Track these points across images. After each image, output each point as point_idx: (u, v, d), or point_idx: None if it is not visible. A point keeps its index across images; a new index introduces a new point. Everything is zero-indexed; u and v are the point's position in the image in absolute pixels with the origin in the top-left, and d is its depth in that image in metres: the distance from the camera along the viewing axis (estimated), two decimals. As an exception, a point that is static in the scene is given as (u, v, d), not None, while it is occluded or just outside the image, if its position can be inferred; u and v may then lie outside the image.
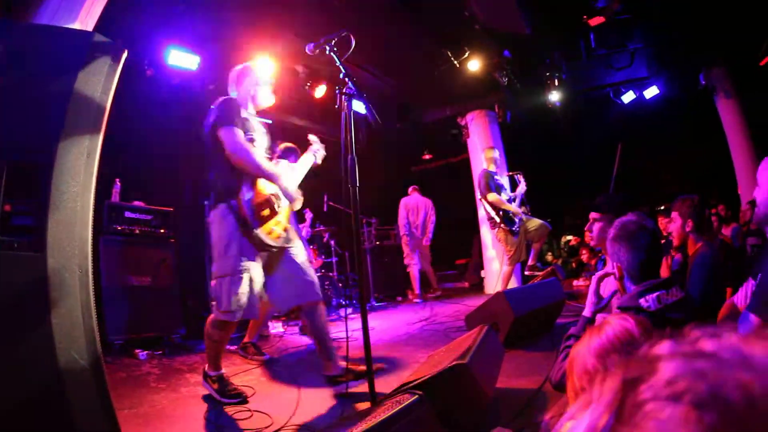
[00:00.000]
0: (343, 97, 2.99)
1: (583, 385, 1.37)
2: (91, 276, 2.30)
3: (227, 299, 3.32)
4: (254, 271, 3.43)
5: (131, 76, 6.55)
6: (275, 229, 3.53)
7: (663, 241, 5.98)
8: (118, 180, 5.72)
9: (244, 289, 3.35)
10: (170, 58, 6.65)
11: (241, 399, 3.56)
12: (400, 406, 2.02)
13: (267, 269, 3.65)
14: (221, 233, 3.39)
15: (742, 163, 9.54)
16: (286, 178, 3.64)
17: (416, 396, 2.14)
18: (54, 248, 2.17)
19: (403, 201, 9.68)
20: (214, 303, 3.48)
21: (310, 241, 7.71)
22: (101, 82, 2.50)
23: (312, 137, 4.35)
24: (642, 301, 2.16)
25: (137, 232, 5.53)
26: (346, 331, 3.35)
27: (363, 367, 3.53)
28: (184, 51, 6.73)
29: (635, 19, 7.99)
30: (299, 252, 3.83)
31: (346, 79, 3.02)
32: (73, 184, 2.31)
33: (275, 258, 3.69)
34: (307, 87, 8.28)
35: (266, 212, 3.48)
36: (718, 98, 9.78)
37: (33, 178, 2.24)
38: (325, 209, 8.51)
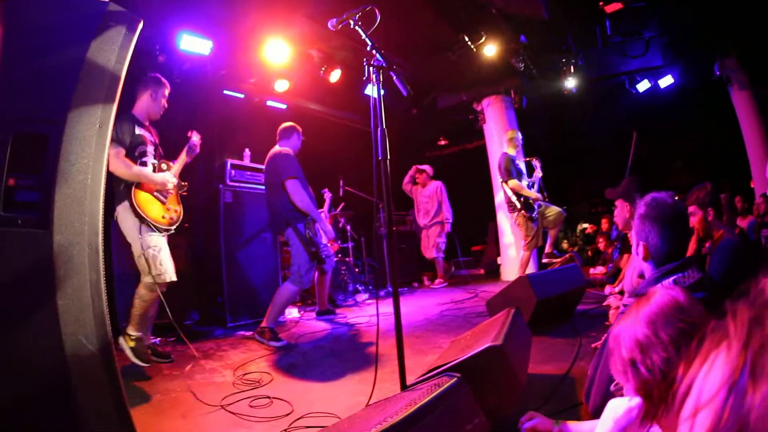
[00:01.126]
0: (371, 69, 2.78)
1: (634, 357, 1.32)
2: (101, 254, 2.10)
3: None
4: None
5: (143, 59, 6.39)
6: (166, 216, 4.09)
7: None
8: (130, 165, 5.54)
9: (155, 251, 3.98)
10: (182, 43, 6.45)
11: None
12: (439, 389, 1.83)
13: None
14: (126, 224, 4.01)
15: (757, 155, 9.34)
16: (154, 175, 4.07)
17: (455, 379, 1.95)
18: (61, 224, 1.97)
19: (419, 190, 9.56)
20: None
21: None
22: (115, 52, 2.30)
23: (190, 133, 4.60)
24: (659, 286, 1.95)
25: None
26: (377, 315, 3.09)
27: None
28: (196, 36, 6.52)
29: (650, 7, 7.76)
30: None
31: (374, 52, 2.80)
32: (83, 155, 2.11)
33: None
34: (322, 72, 8.07)
35: (154, 204, 4.06)
36: (732, 89, 9.55)
37: (40, 151, 2.04)
38: (341, 194, 8.34)
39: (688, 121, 10.65)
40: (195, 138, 4.49)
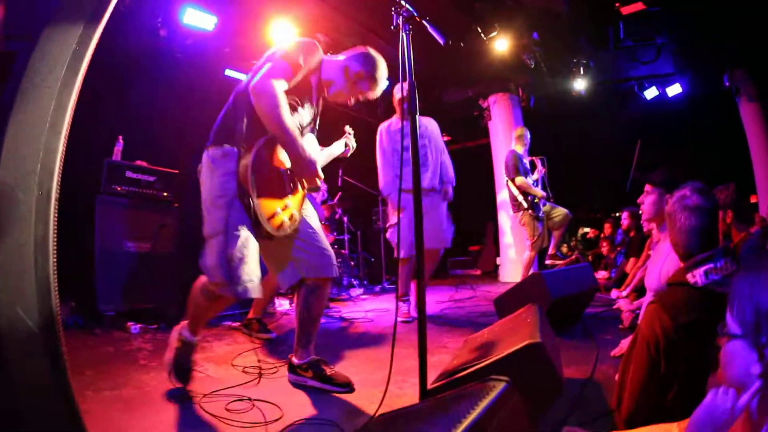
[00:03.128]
0: (399, 18, 2.38)
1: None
2: (54, 203, 1.60)
3: (223, 266, 2.48)
4: (251, 237, 2.59)
5: (144, 33, 5.98)
6: (279, 214, 2.64)
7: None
8: (120, 137, 5.06)
9: (242, 252, 2.50)
10: (185, 17, 6.01)
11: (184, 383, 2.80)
12: (489, 398, 1.43)
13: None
14: (213, 181, 2.59)
15: (763, 169, 9.01)
16: (308, 149, 2.73)
17: (504, 384, 1.56)
18: (9, 158, 1.49)
19: None
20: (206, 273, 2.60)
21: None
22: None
23: (348, 128, 3.72)
24: (689, 276, 2.00)
25: (138, 193, 4.86)
26: (396, 315, 2.53)
27: (339, 374, 2.91)
28: (201, 10, 6.08)
29: (665, 13, 7.45)
30: (311, 215, 3.01)
31: (402, 1, 2.39)
32: (50, 78, 1.62)
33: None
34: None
35: (274, 187, 2.66)
36: (740, 101, 9.20)
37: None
38: (339, 183, 7.92)
39: (694, 131, 10.31)
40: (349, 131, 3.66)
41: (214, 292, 2.60)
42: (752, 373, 1.19)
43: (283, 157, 2.70)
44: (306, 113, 2.91)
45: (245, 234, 2.52)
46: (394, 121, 5.35)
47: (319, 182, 2.83)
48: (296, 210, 2.79)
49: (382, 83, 3.04)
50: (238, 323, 4.60)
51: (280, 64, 2.61)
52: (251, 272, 2.54)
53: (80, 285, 4.42)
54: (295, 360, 2.98)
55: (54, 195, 1.60)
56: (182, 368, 2.78)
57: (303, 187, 2.88)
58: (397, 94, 4.94)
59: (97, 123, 5.17)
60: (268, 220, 2.55)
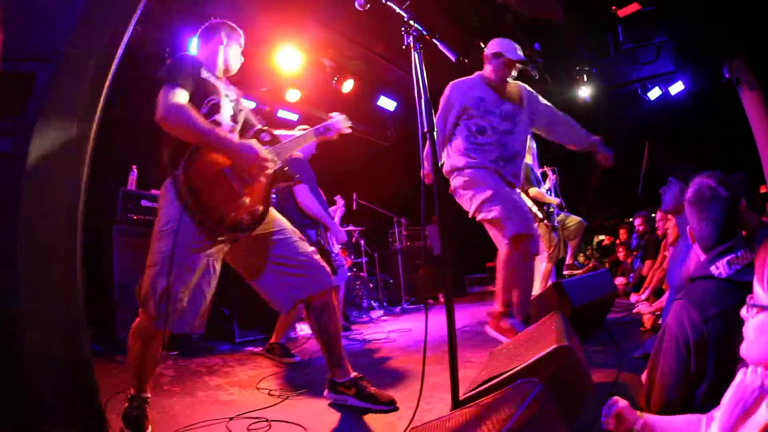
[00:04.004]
0: (410, 38, 2.38)
1: None
2: (79, 227, 1.60)
3: (152, 299, 2.39)
4: (196, 265, 2.47)
5: (152, 63, 6.02)
6: (233, 213, 2.53)
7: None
8: (135, 167, 5.09)
9: (176, 287, 2.39)
10: (192, 48, 6.05)
11: None
12: (524, 398, 1.41)
13: (250, 266, 2.80)
14: (161, 212, 2.54)
15: (770, 156, 8.92)
16: (235, 140, 2.57)
17: (537, 385, 1.53)
18: (34, 180, 1.49)
19: None
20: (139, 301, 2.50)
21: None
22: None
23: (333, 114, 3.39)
24: (713, 268, 1.97)
25: (153, 221, 4.86)
26: (425, 333, 2.43)
27: (381, 393, 2.84)
28: (208, 40, 6.13)
29: (660, 11, 7.43)
30: (288, 232, 2.87)
31: (411, 22, 2.39)
32: (74, 98, 1.64)
33: (254, 248, 2.75)
34: (334, 81, 7.72)
35: (219, 188, 2.52)
36: (742, 90, 9.02)
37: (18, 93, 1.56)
38: (354, 207, 7.88)
39: (700, 126, 10.32)
40: (337, 118, 3.33)
41: (145, 330, 2.48)
42: None
43: (219, 158, 2.55)
44: (227, 103, 2.80)
45: (184, 269, 2.42)
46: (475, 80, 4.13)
47: (272, 165, 2.65)
48: (259, 204, 2.68)
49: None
50: (260, 348, 4.58)
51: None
52: (184, 309, 2.44)
53: (99, 312, 4.41)
54: (336, 379, 2.90)
55: (80, 216, 1.60)
56: (133, 420, 2.55)
57: (258, 178, 2.64)
58: (494, 48, 4.07)
59: (110, 153, 5.21)
60: (220, 220, 2.48)
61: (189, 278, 2.43)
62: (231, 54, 2.95)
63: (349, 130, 3.38)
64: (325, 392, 2.95)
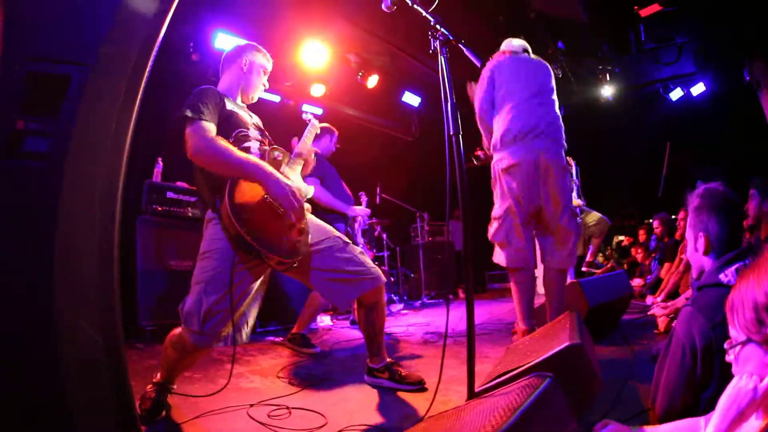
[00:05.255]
0: (436, 42, 2.43)
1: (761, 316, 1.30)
2: (117, 223, 1.67)
3: (198, 314, 2.43)
4: (245, 284, 2.56)
5: (176, 58, 6.12)
6: (287, 237, 2.55)
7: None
8: (160, 159, 5.20)
9: (222, 305, 2.45)
10: (217, 42, 6.15)
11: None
12: (535, 391, 1.45)
13: (300, 277, 2.87)
14: (207, 236, 2.58)
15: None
16: (270, 170, 2.56)
17: (548, 379, 1.58)
18: (72, 177, 1.54)
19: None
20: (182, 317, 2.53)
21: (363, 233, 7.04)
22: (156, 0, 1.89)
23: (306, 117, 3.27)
24: (722, 276, 1.96)
25: (179, 214, 4.98)
26: (446, 327, 2.50)
27: (411, 374, 3.12)
28: (232, 35, 6.21)
29: (681, 12, 7.35)
30: (328, 241, 2.88)
31: (438, 26, 2.43)
32: (110, 102, 1.69)
33: (299, 264, 2.73)
34: (359, 77, 7.79)
35: (266, 217, 2.51)
36: (762, 94, 8.83)
37: (54, 95, 1.61)
38: (378, 201, 7.94)
39: (722, 129, 10.09)
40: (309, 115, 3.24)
41: (185, 345, 2.51)
42: None
43: (255, 188, 2.54)
44: (253, 132, 2.84)
45: (228, 289, 2.45)
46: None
47: (294, 201, 2.55)
48: (302, 224, 2.69)
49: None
50: (281, 338, 4.67)
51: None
52: (223, 328, 2.51)
53: (122, 300, 4.50)
54: (373, 365, 3.18)
55: (117, 216, 1.66)
56: (150, 402, 2.63)
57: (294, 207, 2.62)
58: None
59: (136, 146, 5.32)
60: (277, 248, 2.48)
61: (236, 296, 2.49)
62: (252, 80, 2.96)
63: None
64: (365, 377, 3.26)
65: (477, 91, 4.15)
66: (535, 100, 3.90)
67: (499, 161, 3.93)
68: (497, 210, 3.98)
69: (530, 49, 4.30)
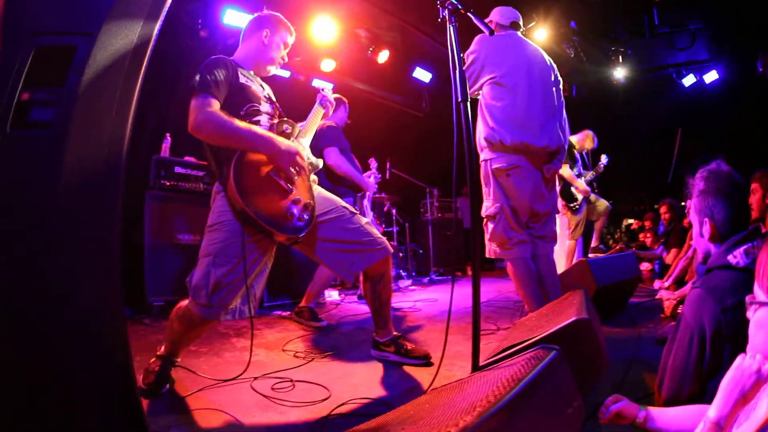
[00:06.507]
0: (445, 11, 2.37)
1: None
2: (120, 194, 1.65)
3: (204, 288, 2.44)
4: (252, 256, 2.53)
5: (185, 34, 6.08)
6: (292, 212, 2.51)
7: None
8: (168, 134, 5.19)
9: (230, 277, 2.45)
10: (226, 18, 6.11)
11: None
12: (540, 363, 1.44)
13: (307, 249, 2.85)
14: (214, 209, 2.57)
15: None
16: (273, 136, 2.56)
17: (554, 351, 1.57)
18: (77, 144, 1.53)
19: None
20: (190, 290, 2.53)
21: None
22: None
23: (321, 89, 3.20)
24: (730, 258, 1.91)
25: (187, 188, 4.98)
26: (450, 304, 2.48)
27: (417, 349, 3.15)
28: (241, 11, 6.15)
29: None
30: (335, 211, 2.89)
31: None
32: (114, 70, 1.67)
33: (306, 237, 2.67)
34: (369, 52, 7.75)
35: (271, 191, 2.51)
36: None
37: (61, 66, 1.59)
38: (387, 176, 7.93)
39: (734, 117, 9.97)
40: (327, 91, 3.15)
41: (192, 318, 2.52)
42: None
43: (262, 159, 2.54)
44: (265, 106, 2.79)
45: (237, 260, 2.46)
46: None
47: (302, 161, 2.61)
48: (309, 198, 2.67)
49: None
50: (288, 312, 4.69)
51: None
52: (231, 301, 2.52)
53: (129, 276, 4.55)
54: (379, 338, 3.22)
55: (120, 185, 1.65)
56: (153, 375, 2.63)
57: (300, 174, 2.66)
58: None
59: (143, 121, 5.31)
60: (282, 224, 2.47)
61: (243, 269, 2.48)
62: (270, 54, 2.89)
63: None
64: (371, 350, 3.29)
65: None
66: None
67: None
68: (491, 209, 3.81)
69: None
